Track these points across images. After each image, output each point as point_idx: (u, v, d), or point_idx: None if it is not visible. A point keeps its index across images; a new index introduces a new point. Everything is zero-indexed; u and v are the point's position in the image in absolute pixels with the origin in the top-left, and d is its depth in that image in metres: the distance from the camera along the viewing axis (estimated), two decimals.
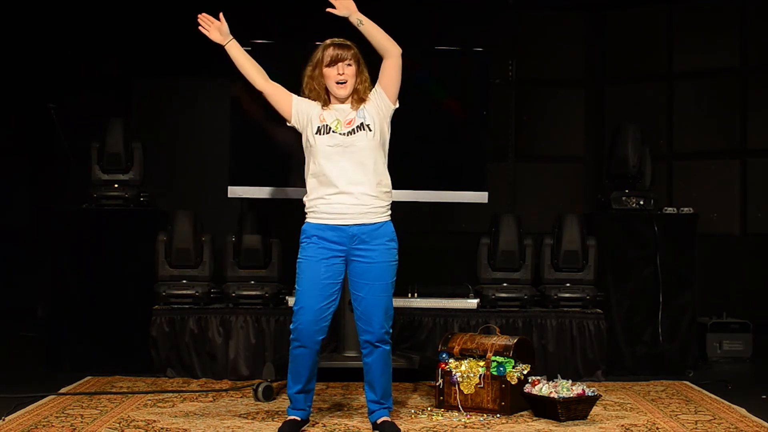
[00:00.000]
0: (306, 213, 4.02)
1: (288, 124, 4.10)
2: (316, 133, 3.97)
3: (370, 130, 3.97)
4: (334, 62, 3.96)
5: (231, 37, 4.15)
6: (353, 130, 3.96)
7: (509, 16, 7.23)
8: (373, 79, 4.06)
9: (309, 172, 4.02)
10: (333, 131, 3.96)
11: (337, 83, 3.97)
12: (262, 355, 5.34)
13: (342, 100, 4.01)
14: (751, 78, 6.85)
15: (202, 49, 6.88)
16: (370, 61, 4.05)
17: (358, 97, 4.01)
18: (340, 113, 4.01)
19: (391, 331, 4.02)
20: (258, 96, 5.20)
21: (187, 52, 7.03)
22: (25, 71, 7.15)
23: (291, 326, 4.01)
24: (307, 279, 3.96)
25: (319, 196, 3.96)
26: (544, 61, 7.24)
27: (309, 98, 4.06)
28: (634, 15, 7.18)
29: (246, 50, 5.13)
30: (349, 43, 4.02)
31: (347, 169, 3.93)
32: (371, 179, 3.95)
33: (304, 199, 4.04)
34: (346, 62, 3.97)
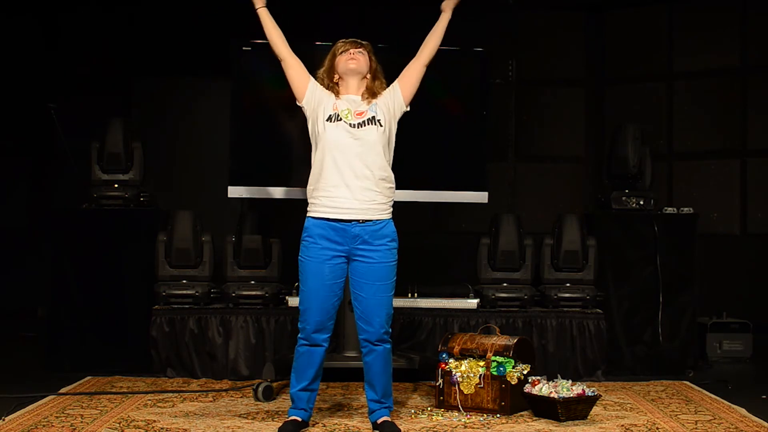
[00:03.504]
0: (308, 204, 4.03)
1: (298, 104, 4.10)
2: (327, 120, 3.99)
3: (381, 125, 4.00)
4: (346, 50, 4.06)
5: (264, 2, 4.16)
6: (363, 122, 3.98)
7: (509, 16, 7.22)
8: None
9: (314, 160, 4.03)
10: (343, 120, 3.98)
11: (348, 61, 4.03)
12: (262, 355, 5.34)
13: (353, 82, 4.04)
14: (751, 78, 6.85)
15: (202, 49, 6.96)
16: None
17: (371, 90, 4.05)
18: (351, 103, 4.03)
19: (390, 330, 4.03)
20: (258, 96, 5.21)
21: (187, 52, 7.04)
22: (25, 71, 7.14)
23: (299, 326, 4.02)
24: (312, 280, 3.97)
25: (322, 187, 3.97)
26: (544, 61, 7.23)
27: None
28: (634, 15, 7.18)
29: (246, 50, 5.16)
30: (363, 42, 4.11)
31: (353, 161, 3.93)
32: (375, 174, 3.96)
33: (308, 188, 4.05)
34: (359, 49, 4.06)
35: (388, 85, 4.13)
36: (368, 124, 3.98)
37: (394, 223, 4.05)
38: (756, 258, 6.74)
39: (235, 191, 5.14)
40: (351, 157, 3.94)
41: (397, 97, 4.08)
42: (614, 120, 6.66)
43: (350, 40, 4.11)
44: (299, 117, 4.11)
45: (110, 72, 7.10)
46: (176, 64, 7.09)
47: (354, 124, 3.97)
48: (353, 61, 4.03)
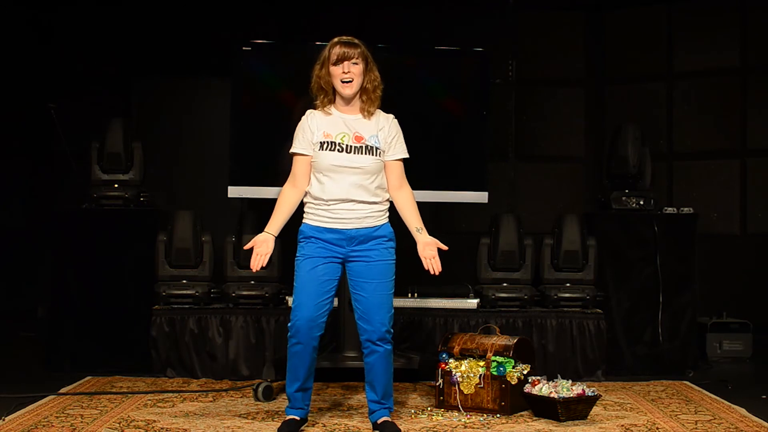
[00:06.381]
0: (304, 212, 4.03)
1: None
2: (320, 149, 3.95)
3: (378, 156, 3.96)
4: (340, 60, 3.92)
5: (270, 236, 4.01)
6: (361, 148, 3.94)
7: (509, 16, 7.22)
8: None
9: (311, 178, 4.01)
10: (338, 146, 3.93)
11: (343, 82, 3.93)
12: (262, 355, 5.34)
13: (349, 100, 3.99)
14: (751, 78, 6.84)
15: (202, 49, 6.96)
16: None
17: (368, 98, 3.98)
18: (348, 124, 3.98)
19: (392, 330, 4.02)
20: (258, 96, 5.21)
21: (187, 52, 7.04)
22: (25, 71, 7.14)
23: (289, 324, 4.00)
24: (304, 276, 3.95)
25: (319, 202, 3.96)
26: (544, 61, 7.23)
27: (316, 97, 4.04)
28: (634, 15, 7.17)
29: (246, 50, 5.16)
30: (356, 41, 3.98)
31: (349, 185, 3.91)
32: (371, 194, 3.95)
33: (304, 199, 4.04)
34: (353, 60, 3.92)
35: (382, 80, 4.04)
36: (367, 153, 3.93)
37: (391, 224, 4.04)
38: (756, 258, 6.74)
39: (235, 191, 5.15)
40: (347, 183, 3.91)
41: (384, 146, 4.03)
42: (614, 120, 6.66)
43: (343, 41, 3.96)
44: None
45: (110, 72, 7.10)
46: (176, 64, 7.09)
47: (351, 149, 3.93)
48: (348, 87, 3.92)
